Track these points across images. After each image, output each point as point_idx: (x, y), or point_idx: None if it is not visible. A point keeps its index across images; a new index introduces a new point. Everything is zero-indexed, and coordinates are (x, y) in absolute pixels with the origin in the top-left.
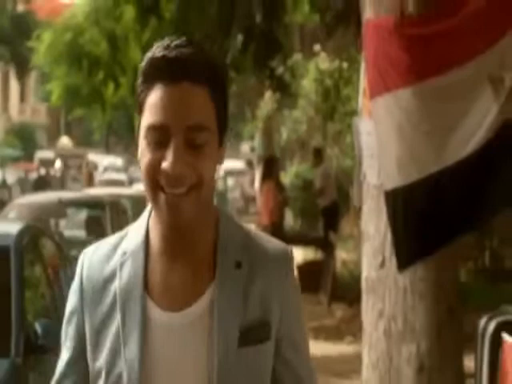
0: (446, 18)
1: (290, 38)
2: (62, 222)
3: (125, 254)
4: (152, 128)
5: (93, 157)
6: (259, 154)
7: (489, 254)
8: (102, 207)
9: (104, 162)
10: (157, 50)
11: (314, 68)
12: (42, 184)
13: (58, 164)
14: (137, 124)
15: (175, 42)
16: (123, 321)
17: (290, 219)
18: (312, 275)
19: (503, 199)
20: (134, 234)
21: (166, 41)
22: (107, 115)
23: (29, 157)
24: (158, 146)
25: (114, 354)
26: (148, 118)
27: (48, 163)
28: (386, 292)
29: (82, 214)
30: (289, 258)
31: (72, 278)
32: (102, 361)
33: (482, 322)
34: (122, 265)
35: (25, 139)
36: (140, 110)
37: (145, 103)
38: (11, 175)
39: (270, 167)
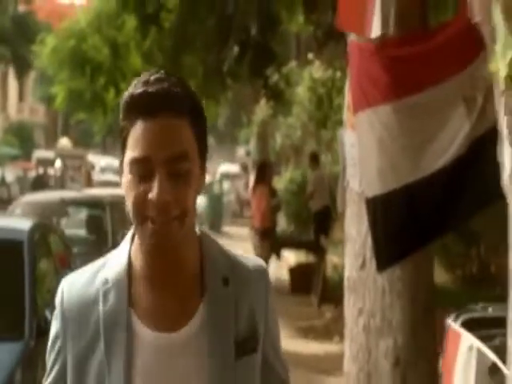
0: (422, 41)
1: (286, 46)
2: (63, 221)
3: (107, 282)
4: (135, 162)
5: (90, 157)
6: (254, 158)
7: (476, 261)
8: (103, 207)
9: (101, 162)
10: (136, 86)
11: (307, 76)
12: (40, 183)
13: (58, 164)
14: (119, 160)
15: (154, 77)
16: (108, 349)
17: (283, 223)
18: (303, 278)
19: (470, 208)
20: (115, 262)
21: (145, 76)
22: (108, 119)
23: (27, 156)
24: (143, 178)
25: (101, 381)
26: (131, 152)
27: (45, 163)
28: (366, 291)
29: (83, 213)
30: (266, 271)
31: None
32: None
33: (450, 319)
34: (105, 293)
35: (23, 138)
36: (123, 146)
37: (127, 140)
38: (10, 173)
39: (263, 172)
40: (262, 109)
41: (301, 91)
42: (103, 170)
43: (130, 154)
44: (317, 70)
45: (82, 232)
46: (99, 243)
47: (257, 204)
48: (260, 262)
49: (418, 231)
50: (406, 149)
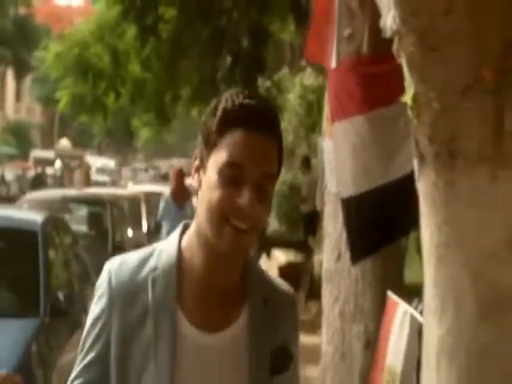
0: (391, 60)
1: (280, 52)
2: (66, 217)
3: (156, 269)
4: (229, 165)
5: (87, 158)
6: None
7: None
8: (103, 205)
9: (97, 163)
10: (230, 99)
11: (298, 83)
12: (39, 182)
13: (58, 164)
14: (199, 153)
15: (246, 94)
16: (156, 332)
17: (275, 224)
18: (292, 275)
19: None
20: (164, 252)
21: (235, 92)
22: (108, 122)
23: (24, 155)
24: (231, 183)
25: (145, 362)
26: (225, 155)
27: (43, 162)
28: (342, 280)
29: (84, 211)
30: (295, 298)
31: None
32: (131, 367)
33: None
34: (154, 280)
35: (20, 138)
36: (211, 146)
37: (219, 143)
38: (9, 173)
39: None
40: None
41: (292, 97)
42: (99, 170)
43: (226, 156)
44: (308, 77)
45: (83, 228)
46: (99, 238)
47: None
48: (289, 288)
49: (387, 229)
50: (377, 155)
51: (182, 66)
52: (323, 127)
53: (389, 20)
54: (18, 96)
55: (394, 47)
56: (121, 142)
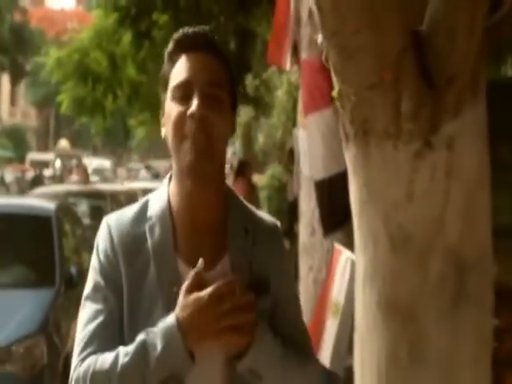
0: None
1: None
2: None
3: (151, 218)
4: (178, 85)
5: (85, 159)
6: (239, 157)
7: None
8: (104, 199)
9: (93, 163)
10: (178, 33)
11: (286, 81)
12: (37, 183)
13: (58, 163)
14: (162, 105)
15: (195, 27)
16: (159, 276)
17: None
18: None
19: None
20: (156, 202)
21: (184, 28)
22: (107, 122)
23: (20, 158)
24: (183, 101)
25: (152, 306)
26: (174, 80)
27: (39, 164)
28: (315, 252)
29: (87, 204)
30: (279, 228)
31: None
32: (141, 312)
33: None
34: (151, 228)
35: (16, 141)
36: (165, 84)
37: (170, 75)
38: (9, 174)
39: (242, 169)
40: (246, 111)
41: (280, 94)
42: (95, 171)
43: (174, 81)
44: (294, 75)
45: (86, 220)
46: None
47: None
48: (274, 220)
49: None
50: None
51: None
52: (298, 120)
53: (319, 37)
54: (13, 100)
55: (323, 57)
56: (117, 143)
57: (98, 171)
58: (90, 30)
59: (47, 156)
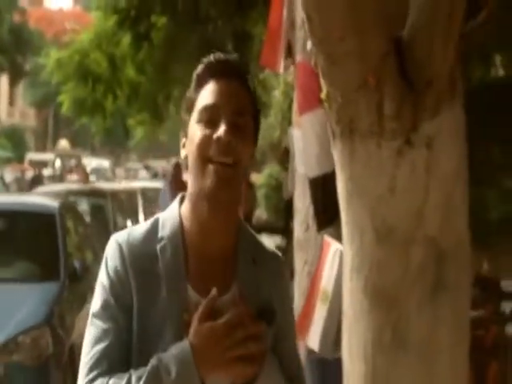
0: None
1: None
2: None
3: (162, 239)
4: (205, 108)
5: (84, 159)
6: None
7: None
8: (104, 197)
9: (92, 163)
10: (207, 59)
11: (282, 81)
12: (37, 182)
13: (58, 163)
14: (184, 126)
15: (223, 54)
16: (169, 298)
17: (265, 215)
18: None
19: None
20: (167, 223)
21: (216, 54)
22: (107, 122)
23: (19, 158)
24: (209, 125)
25: (162, 328)
26: (201, 102)
27: (38, 164)
28: (309, 247)
29: (88, 202)
30: (282, 260)
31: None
32: (150, 333)
33: None
34: (162, 249)
35: (15, 141)
36: (190, 106)
37: (197, 98)
38: (9, 175)
39: None
40: None
41: (277, 94)
42: (93, 171)
43: (201, 103)
44: (290, 75)
45: (86, 218)
46: (101, 228)
47: None
48: (276, 251)
49: None
50: None
51: (173, 69)
52: (293, 119)
53: (309, 44)
54: (12, 101)
55: (313, 62)
56: (115, 142)
57: (97, 171)
58: (90, 32)
59: (46, 156)
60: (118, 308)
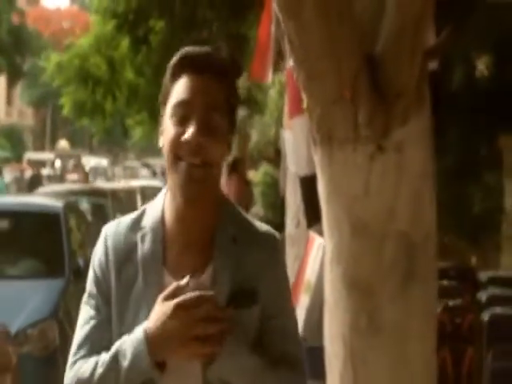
0: None
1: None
2: None
3: (144, 228)
4: (177, 104)
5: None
6: (234, 154)
7: None
8: (105, 196)
9: (91, 162)
10: (184, 50)
11: (277, 81)
12: (36, 182)
13: (58, 163)
14: (161, 114)
15: (198, 48)
16: (144, 286)
17: (261, 211)
18: None
19: None
20: (151, 212)
21: (191, 47)
22: (107, 123)
23: (17, 158)
24: (182, 121)
25: (136, 314)
26: (175, 98)
27: (37, 164)
28: (300, 243)
29: (89, 202)
30: (276, 239)
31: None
32: (127, 320)
33: None
34: (142, 238)
35: (13, 141)
36: (165, 98)
37: (171, 91)
38: (8, 174)
39: (235, 166)
40: (240, 109)
41: (272, 93)
42: (92, 169)
43: (175, 99)
44: (284, 75)
45: (88, 217)
46: (102, 226)
47: (229, 193)
48: (272, 231)
49: None
50: None
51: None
52: (284, 121)
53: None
54: (10, 100)
55: (295, 77)
56: (113, 141)
57: (96, 170)
58: (89, 37)
59: (44, 155)
60: (100, 299)
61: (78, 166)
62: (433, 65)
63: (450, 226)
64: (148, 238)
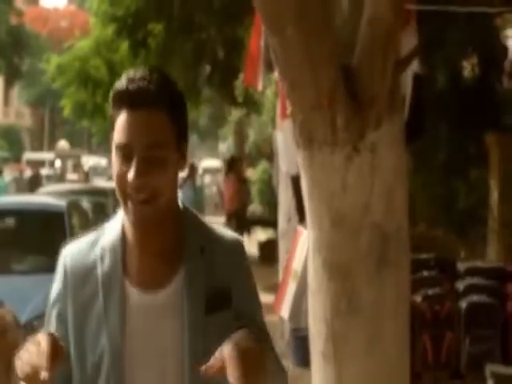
0: None
1: None
2: None
3: (103, 248)
4: (118, 147)
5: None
6: (232, 153)
7: None
8: (106, 195)
9: (90, 161)
10: (122, 83)
11: (273, 81)
12: (35, 182)
13: (58, 163)
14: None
15: (138, 74)
16: (105, 303)
17: (259, 209)
18: (270, 249)
19: None
20: (110, 231)
21: (131, 73)
22: (106, 124)
23: (16, 158)
24: (125, 160)
25: (98, 332)
26: (116, 138)
27: (35, 164)
28: (291, 236)
29: (90, 201)
30: (241, 244)
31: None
32: (87, 339)
33: None
34: (102, 257)
35: (11, 141)
36: (112, 127)
37: (114, 123)
38: (7, 174)
39: (232, 165)
40: (238, 109)
41: (269, 93)
42: (91, 169)
43: (116, 139)
44: None
45: (89, 215)
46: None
47: (226, 191)
48: (236, 236)
49: None
50: None
51: (168, 74)
52: (277, 122)
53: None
54: (7, 101)
55: (280, 87)
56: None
57: (95, 169)
58: (89, 40)
59: (43, 155)
60: (56, 319)
61: (78, 166)
62: (415, 68)
63: (440, 220)
64: (107, 256)
